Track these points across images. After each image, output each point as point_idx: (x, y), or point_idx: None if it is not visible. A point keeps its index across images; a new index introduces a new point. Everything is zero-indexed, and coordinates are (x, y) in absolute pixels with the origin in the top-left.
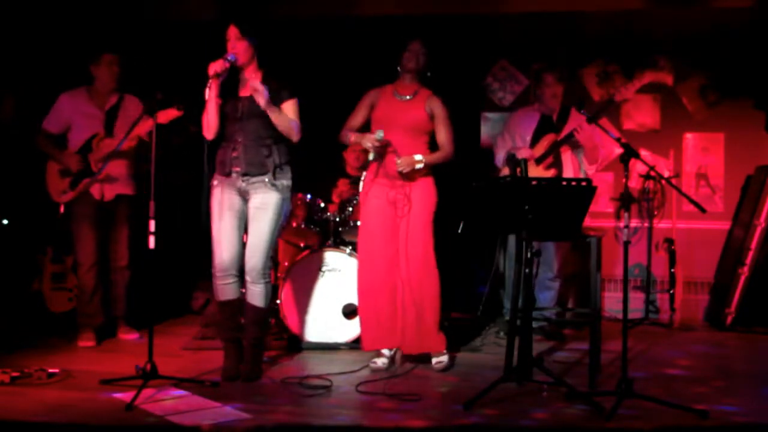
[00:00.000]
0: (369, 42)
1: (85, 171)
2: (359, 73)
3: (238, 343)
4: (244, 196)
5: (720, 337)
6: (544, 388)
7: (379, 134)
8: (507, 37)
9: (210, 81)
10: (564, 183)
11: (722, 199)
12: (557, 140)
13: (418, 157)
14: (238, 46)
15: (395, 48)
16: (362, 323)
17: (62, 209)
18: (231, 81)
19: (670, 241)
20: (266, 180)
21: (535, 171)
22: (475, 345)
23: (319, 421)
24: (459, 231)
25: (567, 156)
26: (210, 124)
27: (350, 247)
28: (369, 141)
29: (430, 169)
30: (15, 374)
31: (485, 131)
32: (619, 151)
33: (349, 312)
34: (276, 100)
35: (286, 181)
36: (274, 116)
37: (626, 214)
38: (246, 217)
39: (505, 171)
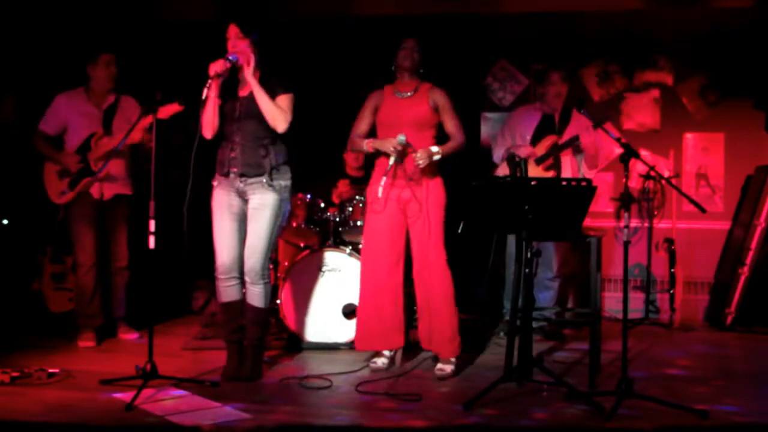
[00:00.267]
0: (369, 42)
1: (84, 171)
2: (359, 73)
3: (240, 344)
4: (243, 197)
5: (720, 337)
6: (544, 388)
7: (402, 138)
8: (507, 37)
9: (209, 81)
10: (564, 183)
11: (722, 199)
12: (560, 143)
13: (435, 148)
14: (238, 45)
15: (394, 48)
16: (359, 323)
17: (62, 213)
18: (230, 81)
19: (670, 241)
20: (263, 180)
21: (535, 171)
22: (475, 345)
23: (319, 421)
24: (459, 231)
25: (566, 159)
26: (210, 124)
27: (350, 247)
28: (392, 145)
29: (439, 170)
30: (15, 374)
31: (485, 131)
32: (619, 151)
33: (349, 312)
34: (271, 94)
35: (284, 182)
36: (259, 96)
37: (626, 214)
38: (246, 218)
39: (503, 167)
